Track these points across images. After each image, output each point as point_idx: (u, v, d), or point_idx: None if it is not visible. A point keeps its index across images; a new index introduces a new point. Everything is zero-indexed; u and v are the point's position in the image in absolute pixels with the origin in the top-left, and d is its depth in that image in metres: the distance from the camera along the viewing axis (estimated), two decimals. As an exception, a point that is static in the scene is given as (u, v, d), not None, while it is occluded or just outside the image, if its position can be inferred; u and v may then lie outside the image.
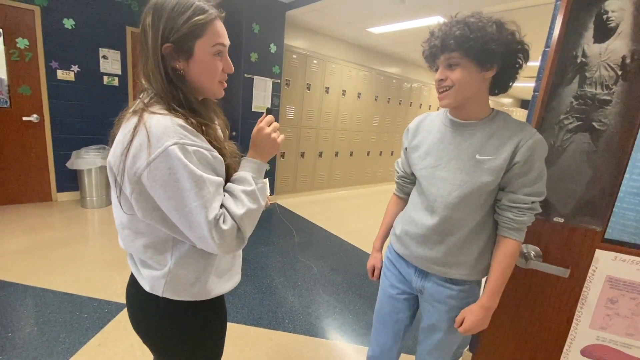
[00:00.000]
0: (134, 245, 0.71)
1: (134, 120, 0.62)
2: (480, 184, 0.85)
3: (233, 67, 0.73)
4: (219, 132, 0.77)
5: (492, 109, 0.90)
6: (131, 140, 0.60)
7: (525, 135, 0.81)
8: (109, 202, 3.46)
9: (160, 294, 0.70)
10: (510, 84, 0.86)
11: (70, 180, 3.48)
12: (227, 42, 0.71)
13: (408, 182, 1.12)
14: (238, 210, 0.64)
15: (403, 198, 1.15)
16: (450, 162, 0.90)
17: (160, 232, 0.68)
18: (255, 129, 0.74)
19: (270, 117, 0.75)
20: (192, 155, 0.61)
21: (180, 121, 0.63)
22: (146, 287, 0.71)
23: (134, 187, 0.61)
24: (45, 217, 3.08)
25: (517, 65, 0.83)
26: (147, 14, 0.64)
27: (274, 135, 0.74)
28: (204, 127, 0.68)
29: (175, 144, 0.59)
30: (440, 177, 0.91)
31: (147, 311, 0.75)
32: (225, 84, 0.74)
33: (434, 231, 0.93)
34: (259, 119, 0.74)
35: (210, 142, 0.67)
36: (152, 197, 0.62)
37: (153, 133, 0.59)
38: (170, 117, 0.62)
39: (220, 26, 0.68)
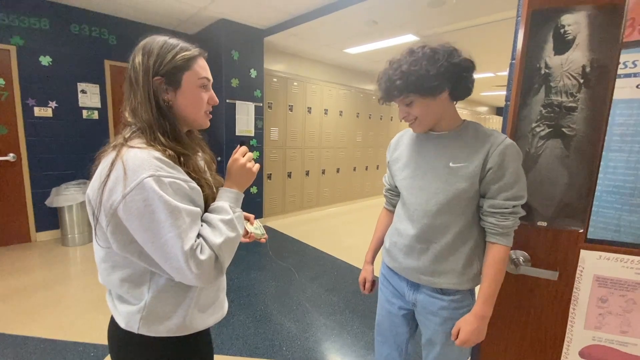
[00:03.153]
0: (111, 280, 0.70)
1: (112, 154, 0.63)
2: (456, 190, 0.88)
3: (217, 100, 0.78)
4: (200, 163, 0.79)
5: (464, 120, 0.95)
6: (108, 174, 0.61)
7: (495, 141, 0.85)
8: (92, 239, 3.34)
9: (135, 331, 0.68)
10: (468, 92, 0.89)
11: (50, 219, 3.35)
12: (211, 78, 0.76)
13: (395, 194, 1.15)
14: (216, 239, 0.64)
15: (392, 211, 1.18)
16: (427, 171, 0.94)
17: (137, 265, 0.67)
18: (230, 160, 0.77)
19: (244, 149, 0.80)
20: (167, 187, 0.61)
21: (157, 154, 0.64)
22: (122, 323, 0.70)
23: (110, 220, 0.62)
24: (24, 259, 2.94)
25: (464, 78, 0.86)
26: (137, 53, 0.69)
27: (249, 165, 0.78)
28: (182, 158, 0.69)
29: (150, 176, 0.60)
30: (419, 186, 0.95)
31: (126, 351, 0.73)
32: (211, 115, 0.79)
33: (418, 239, 0.95)
34: (234, 151, 0.78)
35: (189, 174, 0.68)
36: (128, 230, 0.62)
37: (129, 166, 0.60)
38: (148, 150, 0.63)
39: (204, 63, 0.75)
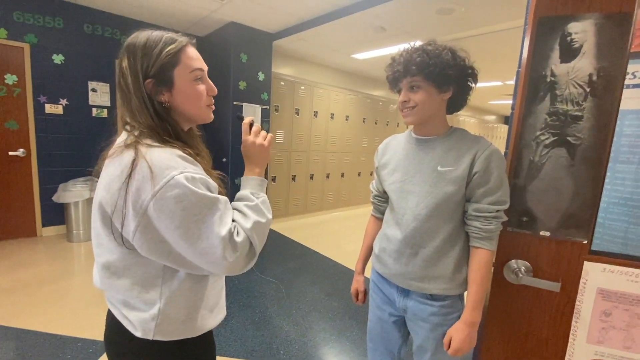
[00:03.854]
0: (118, 284, 0.66)
1: (129, 153, 0.61)
2: (444, 194, 0.90)
3: (216, 89, 0.74)
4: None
5: (451, 126, 0.97)
6: (130, 174, 0.59)
7: (481, 147, 0.89)
8: (97, 235, 3.37)
9: (151, 338, 0.66)
10: (463, 103, 0.96)
11: (56, 214, 3.40)
12: (204, 66, 0.72)
13: (383, 201, 1.16)
14: (246, 223, 0.65)
15: (380, 218, 1.18)
16: (415, 175, 0.96)
17: (150, 268, 0.65)
18: (242, 144, 0.76)
19: (245, 125, 0.76)
20: (198, 182, 0.61)
21: (179, 152, 0.63)
22: (137, 332, 0.66)
23: (140, 221, 0.59)
24: (30, 253, 2.98)
25: (468, 87, 0.92)
26: (122, 57, 0.66)
27: (258, 141, 0.75)
28: (198, 158, 0.69)
29: (181, 173, 0.59)
30: (408, 190, 0.96)
31: (137, 357, 0.71)
32: (213, 107, 0.75)
33: (406, 244, 0.96)
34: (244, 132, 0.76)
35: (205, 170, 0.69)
36: (158, 230, 0.60)
37: (156, 165, 0.59)
38: (169, 149, 0.63)
39: (193, 52, 0.69)
